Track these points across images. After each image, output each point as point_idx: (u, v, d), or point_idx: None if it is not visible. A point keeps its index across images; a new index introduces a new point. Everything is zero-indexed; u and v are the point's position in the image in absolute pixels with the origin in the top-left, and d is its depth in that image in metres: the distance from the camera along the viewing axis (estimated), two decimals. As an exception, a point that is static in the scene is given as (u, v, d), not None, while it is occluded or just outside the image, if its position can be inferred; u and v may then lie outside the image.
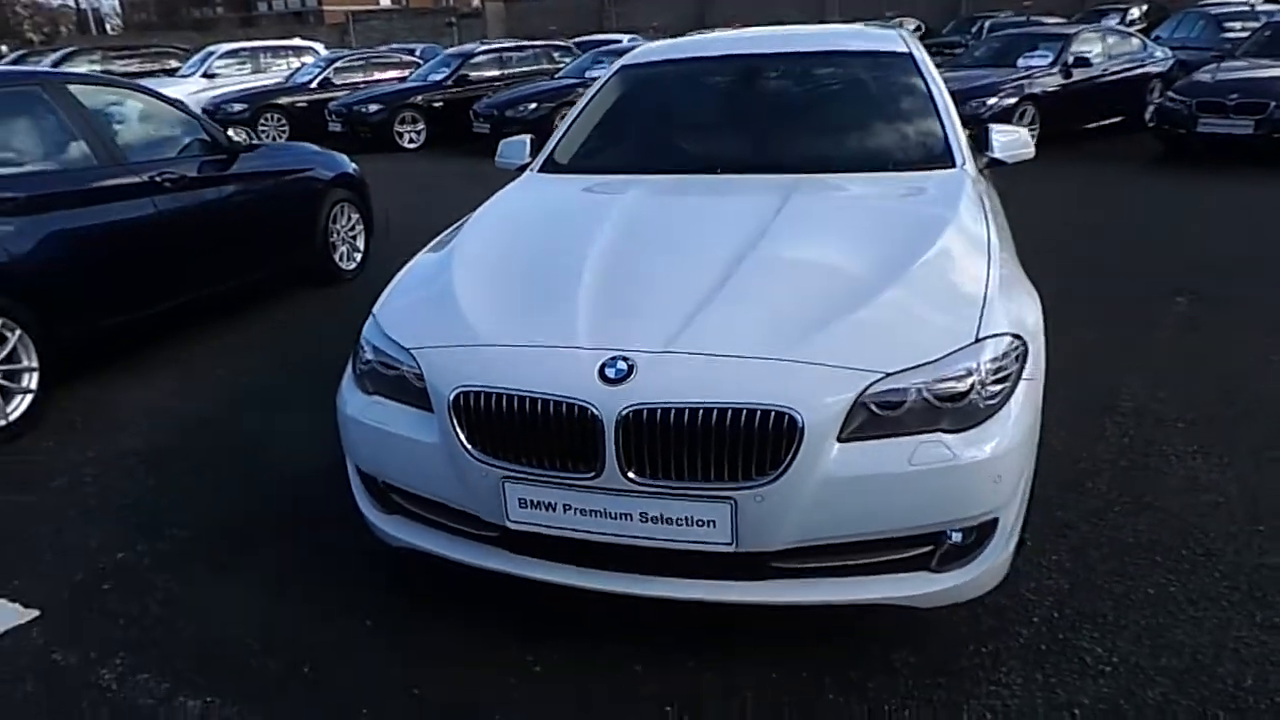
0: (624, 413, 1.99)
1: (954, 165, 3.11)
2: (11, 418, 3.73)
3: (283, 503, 3.16)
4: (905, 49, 3.64)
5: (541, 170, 3.55)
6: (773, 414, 1.95)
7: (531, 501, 2.13)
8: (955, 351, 2.07)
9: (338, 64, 16.25)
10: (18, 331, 3.74)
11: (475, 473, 2.15)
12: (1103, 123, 11.27)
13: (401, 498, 2.42)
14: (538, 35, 25.10)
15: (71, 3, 73.71)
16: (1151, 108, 10.52)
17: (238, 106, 14.91)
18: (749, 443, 1.96)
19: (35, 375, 3.83)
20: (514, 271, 2.54)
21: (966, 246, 2.51)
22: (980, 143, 3.40)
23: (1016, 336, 2.19)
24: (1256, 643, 2.28)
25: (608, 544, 2.11)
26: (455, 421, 2.15)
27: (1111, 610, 2.43)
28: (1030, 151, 3.39)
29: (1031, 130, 10.48)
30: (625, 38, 21.30)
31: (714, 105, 3.76)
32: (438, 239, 2.96)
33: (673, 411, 1.97)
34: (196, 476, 3.40)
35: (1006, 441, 2.05)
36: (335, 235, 5.99)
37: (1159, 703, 2.10)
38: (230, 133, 5.16)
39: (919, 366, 2.03)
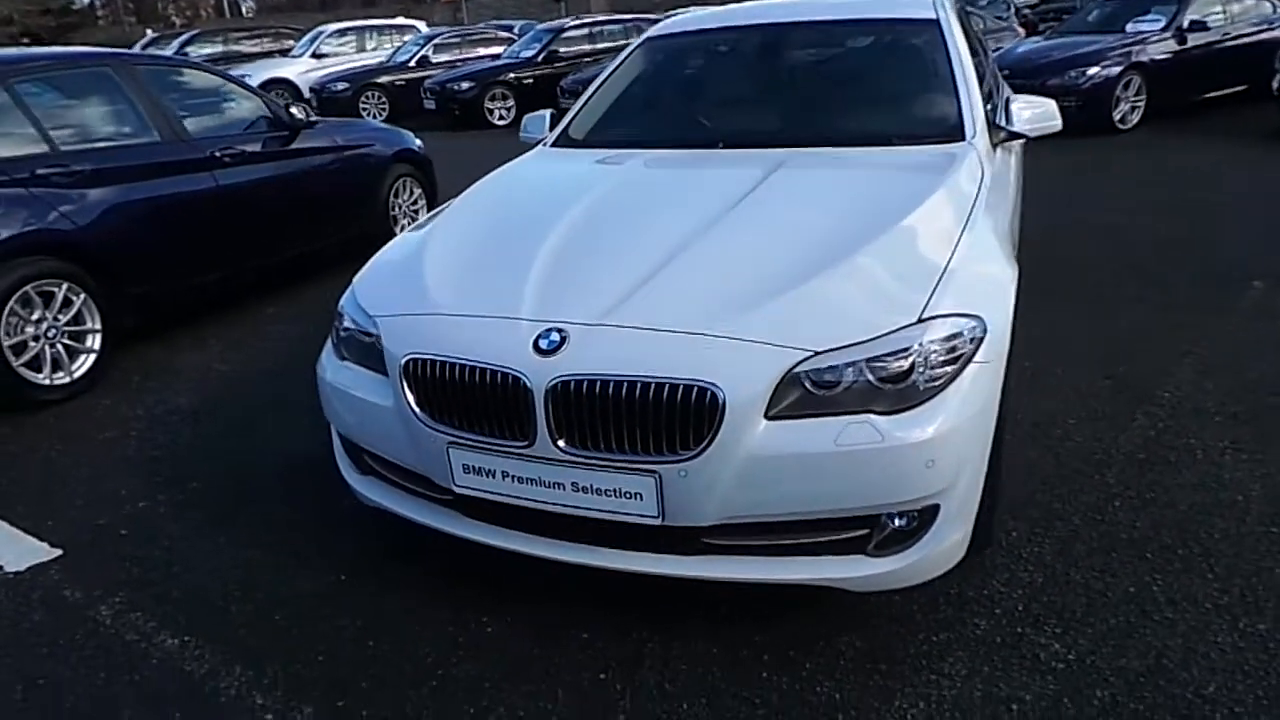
0: (553, 383, 2.03)
1: (963, 138, 2.98)
2: (75, 375, 4.06)
3: (295, 461, 3.33)
4: (932, 15, 3.48)
5: (554, 145, 3.60)
6: (695, 389, 1.95)
7: (474, 467, 2.19)
8: (895, 331, 2.01)
9: (435, 42, 16.70)
10: (82, 295, 4.06)
11: (425, 437, 2.23)
12: (1222, 93, 10.45)
13: (372, 460, 2.53)
14: (640, 10, 25.13)
15: (211, -13, 77.99)
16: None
17: (340, 85, 15.56)
18: (671, 417, 1.96)
19: (98, 337, 4.15)
20: (483, 244, 2.61)
21: (940, 223, 2.41)
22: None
23: (973, 317, 2.11)
24: (1232, 649, 2.14)
25: (548, 511, 2.16)
26: (405, 386, 2.23)
27: (1082, 607, 2.32)
28: (1056, 124, 3.21)
29: (1137, 101, 9.95)
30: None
31: (727, 78, 3.72)
32: (431, 213, 3.05)
33: (598, 383, 2.00)
34: (226, 435, 3.63)
35: (944, 426, 1.98)
36: (396, 209, 6.21)
37: (1105, 704, 2.01)
38: (294, 109, 5.35)
39: (852, 345, 1.99)
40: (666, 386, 1.96)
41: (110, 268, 4.17)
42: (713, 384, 1.94)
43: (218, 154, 4.76)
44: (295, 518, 2.96)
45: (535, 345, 2.07)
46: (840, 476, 1.98)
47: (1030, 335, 4.12)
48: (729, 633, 2.30)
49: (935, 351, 2.02)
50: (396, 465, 2.42)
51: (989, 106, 3.25)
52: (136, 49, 21.61)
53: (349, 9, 57.56)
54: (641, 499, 2.04)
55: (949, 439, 2.00)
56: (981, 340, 2.11)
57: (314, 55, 17.42)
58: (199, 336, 4.78)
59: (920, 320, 2.04)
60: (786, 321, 2.03)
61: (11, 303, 3.77)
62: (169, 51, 19.83)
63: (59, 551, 2.84)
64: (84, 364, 4.10)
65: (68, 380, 4.03)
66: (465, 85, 14.22)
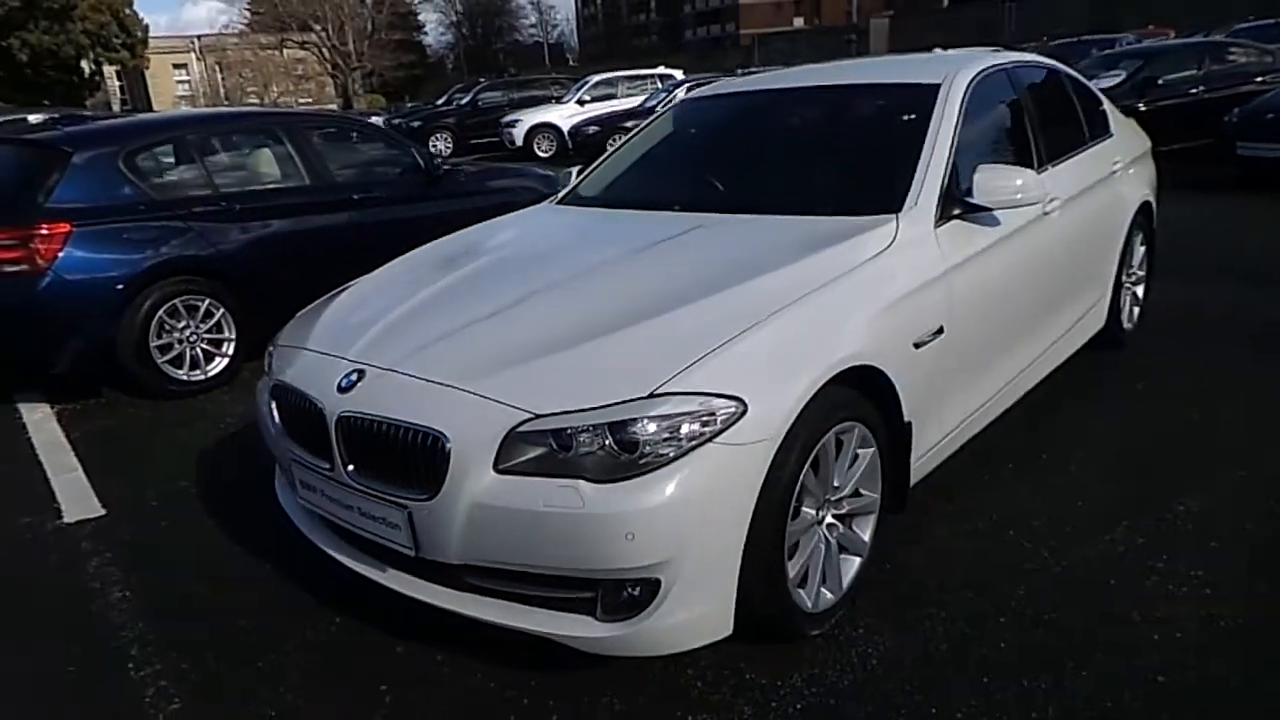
0: (340, 416, 2.32)
1: (895, 211, 2.84)
2: (209, 374, 4.98)
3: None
4: (936, 82, 3.31)
5: (560, 201, 3.87)
6: (430, 436, 2.14)
7: (305, 483, 2.54)
8: (620, 403, 2.06)
9: (685, 87, 17.52)
10: (222, 310, 4.98)
11: (283, 453, 2.62)
12: None
13: (286, 468, 2.96)
14: (917, 51, 24.59)
15: (542, 40, 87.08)
16: None
17: (592, 129, 16.85)
18: (414, 458, 2.17)
19: (232, 344, 5.05)
20: (383, 289, 2.97)
21: (757, 299, 2.36)
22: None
23: (730, 398, 2.08)
24: (982, 795, 1.91)
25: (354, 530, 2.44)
26: (272, 405, 2.64)
27: (861, 716, 2.17)
28: (1031, 196, 2.93)
29: None
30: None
31: (716, 143, 3.76)
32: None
33: (365, 420, 2.26)
34: (283, 435, 4.28)
35: (652, 501, 1.99)
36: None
37: (793, 817, 1.89)
38: (436, 160, 6.11)
39: (575, 412, 2.06)
40: (410, 431, 2.17)
41: (247, 288, 5.04)
42: (441, 432, 2.12)
43: (354, 197, 5.58)
44: (276, 512, 3.45)
45: (339, 382, 2.38)
46: (547, 537, 2.06)
47: (1077, 424, 3.72)
48: (514, 673, 2.41)
49: (664, 426, 2.04)
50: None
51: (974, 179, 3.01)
52: (448, 94, 24.82)
53: (652, 58, 61.59)
54: (400, 530, 2.25)
55: (657, 515, 2.00)
56: (735, 422, 2.08)
57: (578, 102, 19.03)
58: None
59: (651, 395, 2.06)
60: (529, 382, 2.16)
61: (161, 312, 4.73)
62: (467, 97, 22.58)
63: (104, 511, 3.57)
64: (218, 366, 5.01)
65: (202, 378, 4.94)
66: (695, 131, 14.82)
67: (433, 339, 2.42)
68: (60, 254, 4.43)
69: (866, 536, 2.61)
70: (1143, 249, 4.70)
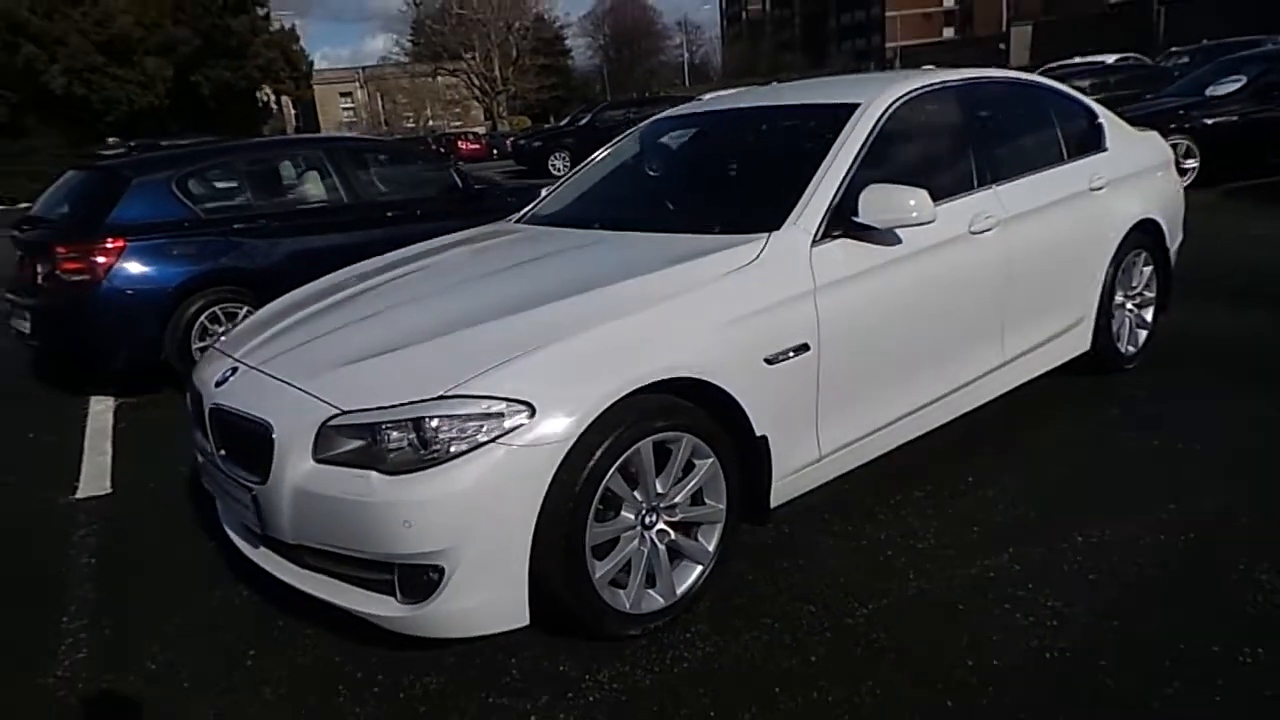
0: (211, 406, 2.63)
1: (771, 229, 2.89)
2: (246, 374, 5.51)
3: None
4: (855, 102, 3.31)
5: (519, 220, 4.10)
6: (262, 425, 2.41)
7: (204, 468, 2.86)
8: (412, 403, 2.25)
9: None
10: (258, 316, 5.50)
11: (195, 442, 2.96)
12: None
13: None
14: (1061, 58, 23.87)
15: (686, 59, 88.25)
16: None
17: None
18: (253, 445, 2.44)
19: (268, 347, 5.57)
20: (302, 298, 3.27)
21: (586, 309, 2.50)
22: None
23: (519, 403, 2.24)
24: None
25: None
26: (189, 399, 2.99)
27: (644, 713, 2.25)
28: (924, 216, 2.89)
29: None
30: (1111, 59, 18.98)
31: (654, 163, 3.89)
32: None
33: (226, 411, 2.56)
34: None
35: (427, 493, 2.18)
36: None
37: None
38: (471, 180, 6.49)
39: (376, 409, 2.27)
40: (249, 420, 2.46)
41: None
42: (268, 422, 2.39)
43: (390, 214, 6.03)
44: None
45: (217, 377, 2.69)
46: (347, 522, 2.27)
47: (1023, 446, 3.61)
48: (364, 650, 2.61)
49: (451, 426, 2.21)
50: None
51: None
52: (571, 115, 25.72)
53: (797, 71, 61.30)
54: (250, 510, 2.53)
55: (433, 506, 2.18)
56: (520, 425, 2.23)
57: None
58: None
59: (441, 397, 2.24)
60: (348, 381, 2.39)
61: (203, 318, 5.29)
62: (587, 117, 23.36)
63: (110, 490, 4.07)
64: (254, 367, 5.54)
65: (238, 377, 5.48)
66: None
67: (302, 342, 2.70)
68: (115, 265, 5.05)
69: (710, 546, 2.67)
70: (1148, 269, 4.44)
